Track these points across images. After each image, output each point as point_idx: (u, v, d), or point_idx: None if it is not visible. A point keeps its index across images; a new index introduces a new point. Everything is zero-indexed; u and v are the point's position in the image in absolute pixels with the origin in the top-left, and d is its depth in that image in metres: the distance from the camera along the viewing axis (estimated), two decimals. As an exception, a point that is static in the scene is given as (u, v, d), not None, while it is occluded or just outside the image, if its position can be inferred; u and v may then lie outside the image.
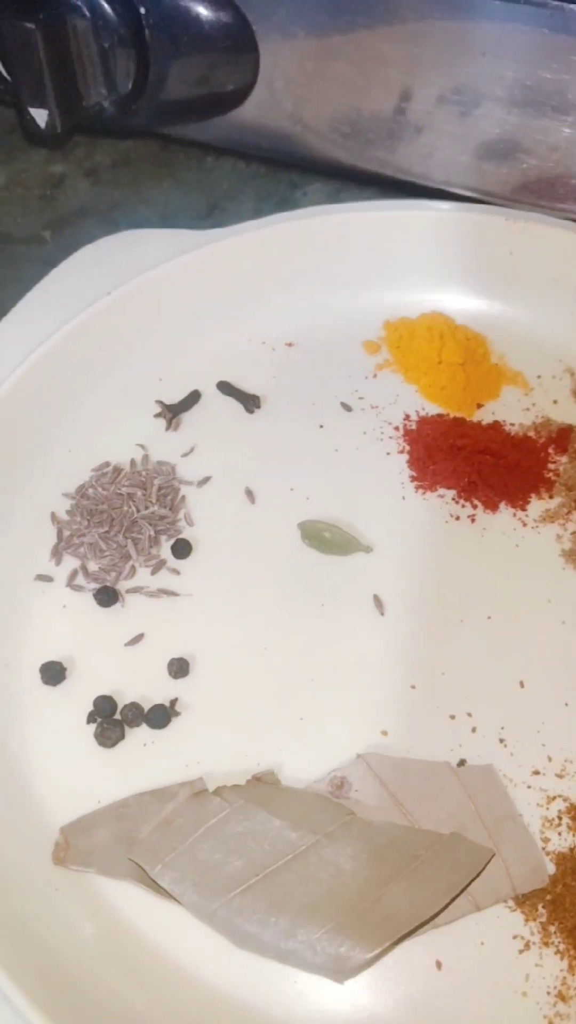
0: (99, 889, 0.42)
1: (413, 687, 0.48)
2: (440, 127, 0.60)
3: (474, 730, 0.47)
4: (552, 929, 0.42)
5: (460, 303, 0.61)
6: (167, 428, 0.56)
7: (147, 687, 0.47)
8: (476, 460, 0.54)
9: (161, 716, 0.45)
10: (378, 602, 0.50)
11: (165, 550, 0.51)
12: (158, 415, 0.56)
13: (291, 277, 0.60)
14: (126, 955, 0.41)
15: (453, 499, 0.54)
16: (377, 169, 0.63)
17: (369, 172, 0.64)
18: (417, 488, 0.54)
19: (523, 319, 0.60)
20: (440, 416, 0.57)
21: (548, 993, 0.41)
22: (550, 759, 0.46)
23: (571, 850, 0.44)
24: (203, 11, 0.56)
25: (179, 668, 0.47)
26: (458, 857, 0.42)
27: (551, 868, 0.43)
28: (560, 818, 0.44)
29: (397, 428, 0.57)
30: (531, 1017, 0.40)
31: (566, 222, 0.57)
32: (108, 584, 0.49)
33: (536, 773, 0.46)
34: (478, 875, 0.42)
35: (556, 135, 0.57)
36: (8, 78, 0.56)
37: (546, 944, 0.42)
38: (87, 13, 0.55)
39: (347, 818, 0.42)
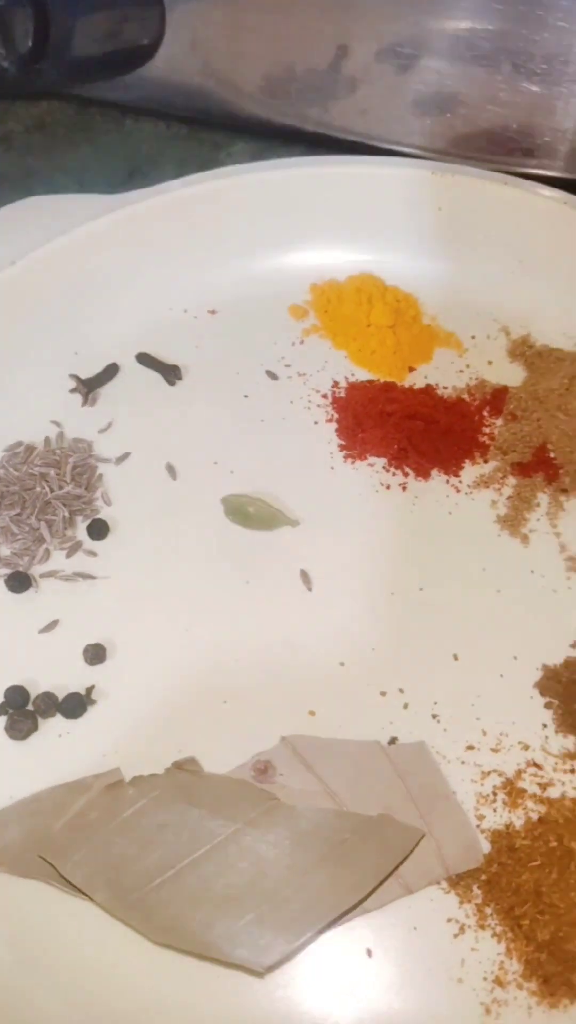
0: (11, 890, 0.40)
1: (342, 664, 0.46)
2: (370, 80, 0.57)
3: (406, 706, 0.45)
4: (488, 911, 0.40)
5: (390, 263, 0.58)
6: (83, 403, 0.53)
7: (62, 675, 0.45)
8: (406, 426, 0.52)
9: (76, 705, 0.43)
10: (305, 577, 0.48)
11: (81, 531, 0.49)
12: (73, 390, 0.53)
13: (212, 241, 0.58)
14: (39, 959, 0.39)
15: (384, 468, 0.52)
16: (300, 125, 0.61)
17: (293, 129, 0.61)
18: (346, 457, 0.52)
19: (455, 278, 0.57)
20: (370, 382, 0.55)
21: (484, 979, 0.39)
22: (485, 733, 0.44)
23: (506, 827, 0.42)
24: (104, -39, 0.53)
25: (95, 654, 0.45)
26: (386, 839, 0.40)
27: (486, 847, 0.41)
28: (495, 794, 0.43)
29: (325, 396, 0.54)
30: (467, 1004, 0.38)
31: (495, 174, 0.55)
32: (20, 569, 0.47)
33: (470, 748, 0.44)
34: (407, 857, 0.39)
35: (491, 87, 0.54)
36: None
37: (482, 927, 0.40)
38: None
39: (270, 804, 0.40)
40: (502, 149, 0.57)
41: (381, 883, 0.39)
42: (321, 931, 0.38)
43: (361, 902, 0.39)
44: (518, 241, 0.55)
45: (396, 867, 0.40)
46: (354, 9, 0.57)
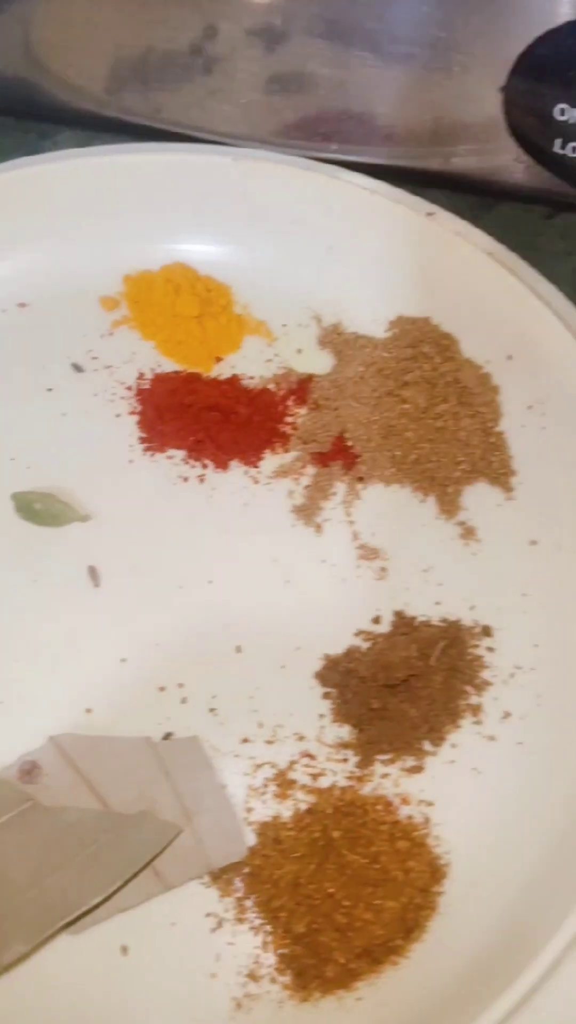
0: None
1: (124, 660, 0.45)
2: (196, 68, 0.56)
3: (184, 701, 0.44)
4: (248, 904, 0.40)
5: (202, 252, 0.57)
6: None
7: None
8: (204, 417, 0.51)
9: None
10: (93, 573, 0.47)
11: None
12: None
13: (22, 232, 0.57)
14: None
15: (183, 460, 0.51)
16: (127, 117, 0.59)
17: (119, 120, 0.60)
18: (146, 450, 0.51)
19: (267, 265, 0.57)
20: (176, 373, 0.54)
21: (239, 973, 0.39)
22: (261, 725, 0.44)
23: (274, 819, 0.41)
24: None
25: None
26: (142, 836, 0.40)
27: (251, 840, 0.41)
28: (266, 785, 0.42)
29: (130, 388, 0.53)
30: (218, 1000, 0.38)
31: (296, 159, 0.54)
32: None
33: (245, 741, 0.43)
34: (160, 853, 0.39)
35: (321, 70, 0.54)
36: None
37: (240, 920, 0.40)
38: None
39: (25, 806, 0.40)
40: (320, 136, 0.56)
41: (133, 879, 0.39)
42: (61, 930, 0.37)
43: (107, 899, 0.38)
44: (325, 227, 0.55)
45: (149, 863, 0.39)
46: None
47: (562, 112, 0.47)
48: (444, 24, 0.49)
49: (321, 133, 0.55)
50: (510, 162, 0.52)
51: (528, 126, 0.49)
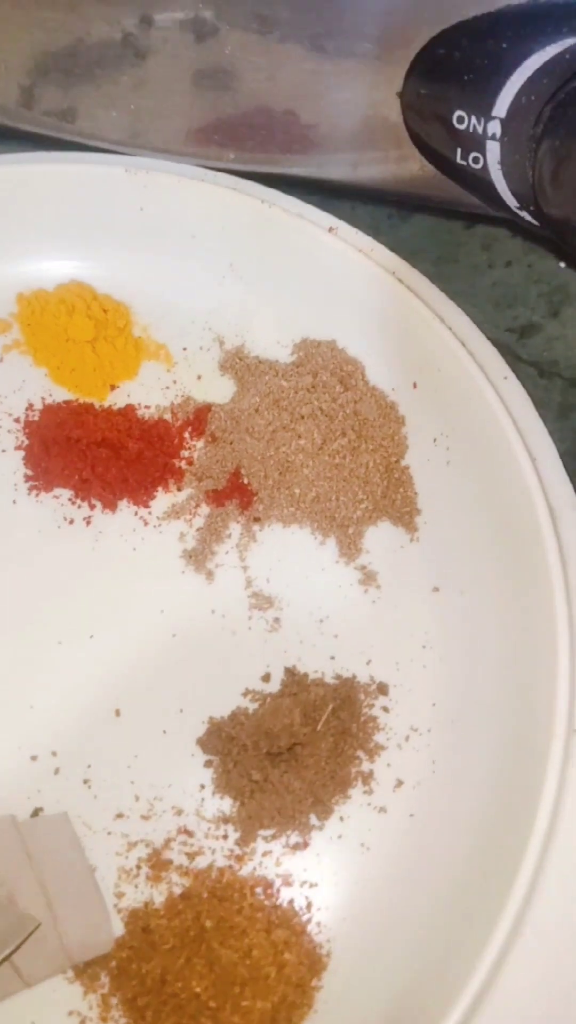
0: None
1: (-6, 726, 0.41)
2: (79, 72, 0.52)
3: (57, 771, 0.41)
4: (113, 1001, 0.36)
5: (100, 269, 0.53)
6: None
7: None
8: (92, 454, 0.48)
9: None
10: (-35, 628, 0.44)
11: None
12: None
13: None
14: None
15: (70, 500, 0.47)
16: (12, 124, 0.55)
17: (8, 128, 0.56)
18: (31, 489, 0.48)
19: (167, 284, 0.53)
20: (67, 403, 0.50)
21: (99, 1078, 0.35)
22: (137, 798, 0.40)
23: (145, 905, 0.38)
24: None
25: None
26: None
27: (119, 930, 0.38)
28: (139, 867, 0.39)
29: (18, 420, 0.50)
30: None
31: (193, 168, 0.50)
32: None
33: (120, 816, 0.40)
34: (16, 949, 0.36)
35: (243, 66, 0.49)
36: None
37: (104, 1020, 0.37)
38: None
39: None
40: (216, 143, 0.52)
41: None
42: None
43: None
44: (224, 242, 0.51)
45: (4, 959, 0.36)
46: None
47: (460, 120, 0.43)
48: (339, 20, 0.45)
49: (216, 141, 0.50)
50: (417, 172, 0.47)
51: (428, 133, 0.45)
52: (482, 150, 0.42)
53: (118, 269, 0.53)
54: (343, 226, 0.48)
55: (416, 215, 0.55)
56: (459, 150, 0.43)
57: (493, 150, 0.42)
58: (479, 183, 0.44)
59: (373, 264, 0.46)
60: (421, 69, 0.43)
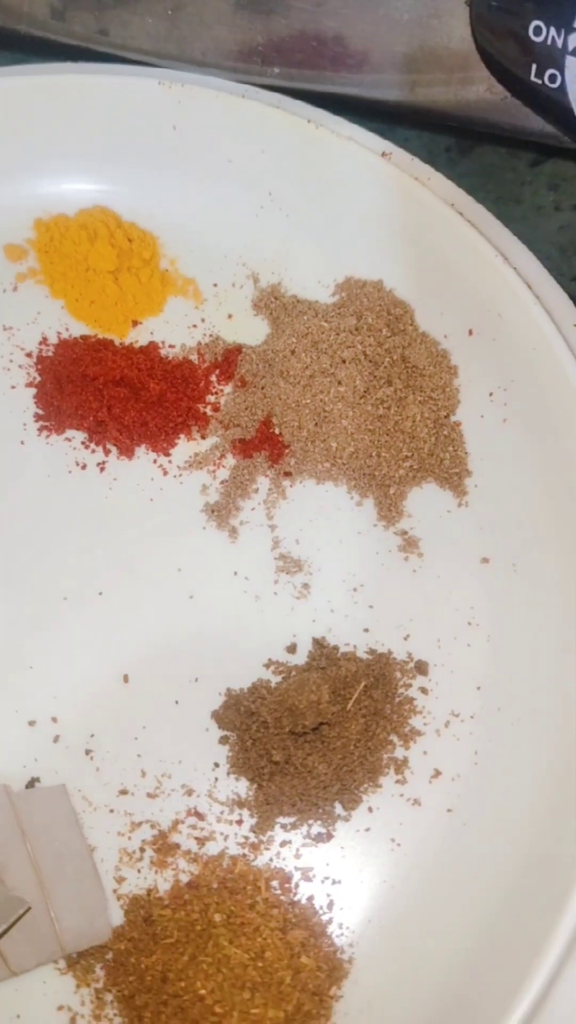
0: None
1: (-10, 686, 0.37)
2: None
3: (56, 739, 0.37)
4: (108, 998, 0.32)
5: (126, 195, 0.49)
6: None
7: None
8: (109, 393, 0.43)
9: None
10: (-36, 578, 0.39)
11: None
12: None
13: None
14: None
15: (83, 443, 0.43)
16: (32, 31, 0.50)
17: (28, 37, 0.51)
18: (41, 430, 0.43)
19: (199, 213, 0.48)
20: (84, 338, 0.45)
21: None
22: (144, 774, 0.36)
23: (148, 892, 0.34)
24: None
25: None
26: None
27: (118, 918, 0.33)
28: (143, 850, 0.35)
29: (30, 354, 0.45)
30: None
31: (233, 84, 0.45)
32: None
33: (123, 793, 0.36)
34: (2, 934, 0.32)
35: None
36: None
37: (97, 1017, 0.33)
38: None
39: None
40: (259, 58, 0.47)
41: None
42: None
43: None
44: (264, 167, 0.46)
45: (-14, 949, 0.32)
46: None
47: (537, 31, 0.37)
48: None
49: (260, 53, 0.45)
50: (483, 94, 0.42)
51: (500, 49, 0.40)
52: (560, 67, 0.37)
53: (146, 195, 0.48)
54: (398, 151, 0.43)
55: (477, 149, 0.49)
56: (534, 67, 0.38)
57: (572, 67, 0.37)
58: (554, 106, 0.39)
59: (431, 195, 0.41)
60: (495, -27, 0.37)
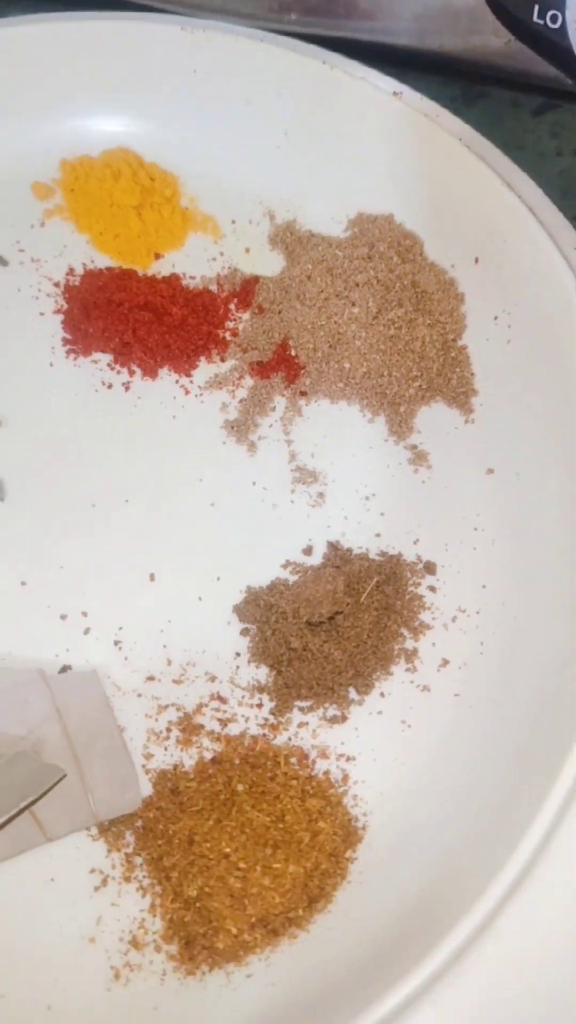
0: None
1: (24, 584, 0.40)
2: None
3: (87, 631, 0.39)
4: (137, 861, 0.35)
5: (148, 137, 0.51)
6: None
7: None
8: (134, 317, 0.45)
9: None
10: (-2, 485, 0.42)
11: None
12: None
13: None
14: None
15: (108, 365, 0.45)
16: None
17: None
18: (69, 353, 0.46)
19: (218, 154, 0.50)
20: (109, 269, 0.48)
21: (121, 939, 0.34)
22: (169, 663, 0.39)
23: (175, 768, 0.37)
24: None
25: None
26: (18, 779, 0.34)
27: (147, 790, 0.36)
28: (169, 730, 0.37)
29: (57, 284, 0.48)
30: (95, 968, 0.34)
31: (251, 30, 0.47)
32: None
33: (150, 679, 0.38)
34: (39, 799, 0.34)
35: None
36: None
37: (127, 879, 0.35)
38: None
39: None
40: (276, 4, 0.49)
41: (7, 827, 0.34)
42: None
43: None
44: (281, 108, 0.49)
45: (24, 809, 0.34)
46: None
47: (541, -29, 0.40)
48: None
49: (277, 1, 0.47)
50: (489, 38, 0.45)
51: (505, -10, 0.42)
52: (561, 7, 0.40)
53: (167, 137, 0.51)
54: (407, 91, 0.45)
55: (482, 100, 0.52)
56: (536, 7, 0.41)
57: (573, 7, 0.40)
58: (555, 47, 0.41)
59: (440, 130, 0.44)
60: None
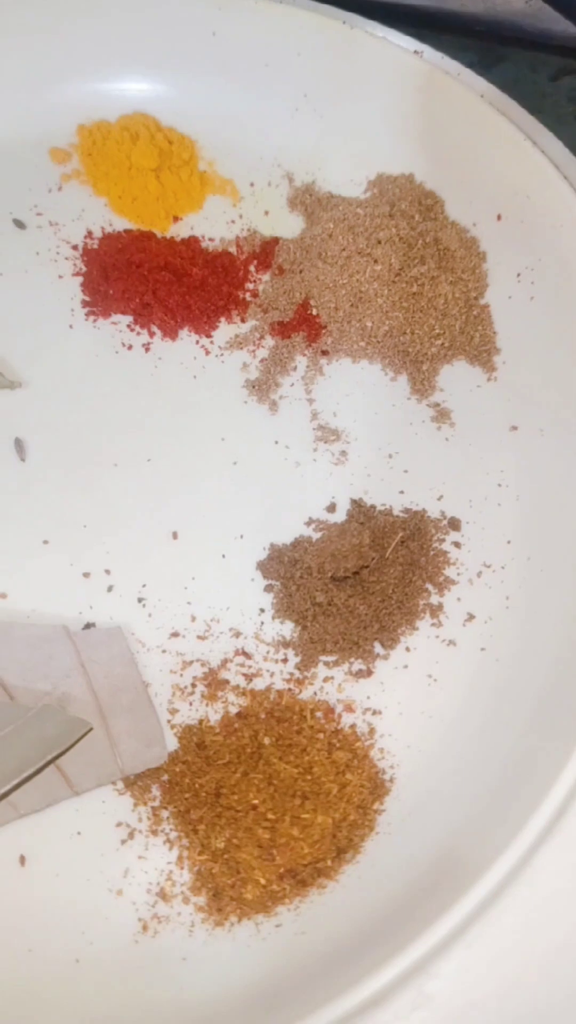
0: None
1: (46, 542, 0.40)
2: None
3: (110, 589, 0.39)
4: (164, 815, 0.35)
5: (166, 100, 0.51)
6: None
7: None
8: (154, 278, 0.45)
9: None
10: (19, 446, 0.42)
11: None
12: None
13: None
14: None
15: (128, 327, 0.45)
16: None
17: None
18: (88, 315, 0.46)
19: (236, 117, 0.50)
20: (127, 231, 0.48)
21: (148, 891, 0.34)
22: (193, 619, 0.38)
23: (200, 722, 0.36)
24: None
25: None
26: (45, 732, 0.34)
27: (172, 744, 0.36)
28: (194, 686, 0.37)
29: (76, 247, 0.47)
30: (123, 920, 0.34)
31: (270, -10, 0.47)
32: None
33: (175, 635, 0.38)
34: (65, 751, 0.34)
35: None
36: None
37: (154, 832, 0.35)
38: None
39: None
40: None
41: (35, 779, 0.34)
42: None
43: (8, 800, 0.33)
44: (300, 70, 0.48)
45: (51, 762, 0.34)
46: None
47: None
48: None
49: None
50: (512, -4, 0.45)
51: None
52: (587, -38, 0.39)
53: (185, 101, 0.51)
54: (428, 50, 0.45)
55: (499, 64, 0.52)
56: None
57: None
58: (572, 2, 0.41)
59: (462, 87, 0.43)
60: None
